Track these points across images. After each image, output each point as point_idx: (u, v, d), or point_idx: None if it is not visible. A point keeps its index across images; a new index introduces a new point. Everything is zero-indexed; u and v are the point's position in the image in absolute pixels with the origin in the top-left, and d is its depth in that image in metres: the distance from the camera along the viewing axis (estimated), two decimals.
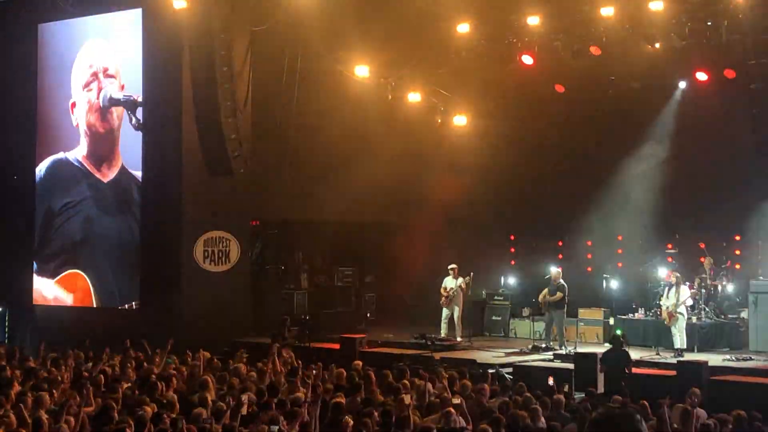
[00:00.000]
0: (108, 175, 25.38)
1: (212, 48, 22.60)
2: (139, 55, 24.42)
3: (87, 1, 24.81)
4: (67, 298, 25.84)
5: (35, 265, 26.61)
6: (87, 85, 25.54)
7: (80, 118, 25.73)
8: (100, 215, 25.44)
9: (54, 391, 13.75)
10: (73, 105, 25.81)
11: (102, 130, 25.43)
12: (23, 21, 26.29)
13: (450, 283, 22.95)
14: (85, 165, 25.69)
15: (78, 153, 25.84)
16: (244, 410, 11.90)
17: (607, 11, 20.39)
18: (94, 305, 25.38)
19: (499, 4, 21.81)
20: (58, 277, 26.01)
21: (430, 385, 14.69)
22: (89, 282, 25.42)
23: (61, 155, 26.21)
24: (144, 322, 22.95)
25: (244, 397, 12.16)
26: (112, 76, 25.14)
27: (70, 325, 24.70)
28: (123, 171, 25.04)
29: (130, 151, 24.87)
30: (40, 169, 26.61)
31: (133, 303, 24.57)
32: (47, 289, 26.23)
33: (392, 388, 14.25)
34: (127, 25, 24.82)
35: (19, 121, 26.98)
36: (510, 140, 25.86)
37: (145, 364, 17.07)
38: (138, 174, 24.72)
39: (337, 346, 21.66)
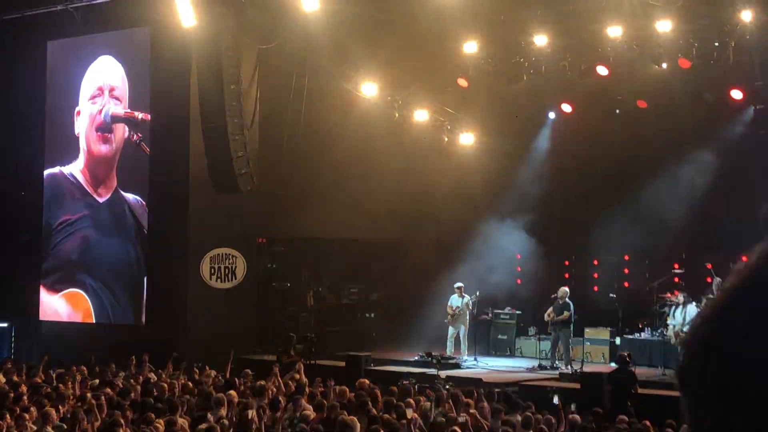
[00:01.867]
0: (103, 196, 25.50)
1: (220, 66, 22.66)
2: (147, 72, 24.54)
3: (95, 19, 24.88)
4: (73, 314, 25.86)
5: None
6: (92, 98, 25.68)
7: (81, 128, 25.87)
8: (97, 236, 25.50)
9: (60, 406, 13.77)
10: (78, 113, 25.93)
11: (102, 151, 25.55)
12: (32, 38, 26.37)
13: (456, 301, 22.96)
14: (82, 182, 25.80)
15: (75, 168, 25.95)
16: (253, 428, 11.86)
17: (615, 31, 20.45)
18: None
19: (507, 23, 21.87)
20: (63, 293, 26.04)
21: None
22: (90, 303, 25.46)
23: (56, 170, 26.33)
24: (150, 338, 22.95)
25: (252, 413, 12.12)
26: (117, 98, 25.27)
27: (76, 340, 24.72)
28: (116, 193, 25.17)
29: (128, 173, 25.02)
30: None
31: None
32: (52, 303, 26.24)
33: (395, 405, 14.24)
34: (136, 43, 24.96)
35: (27, 137, 27.07)
36: (517, 159, 25.91)
37: (152, 380, 17.10)
38: (130, 196, 24.87)
39: (342, 364, 21.65)
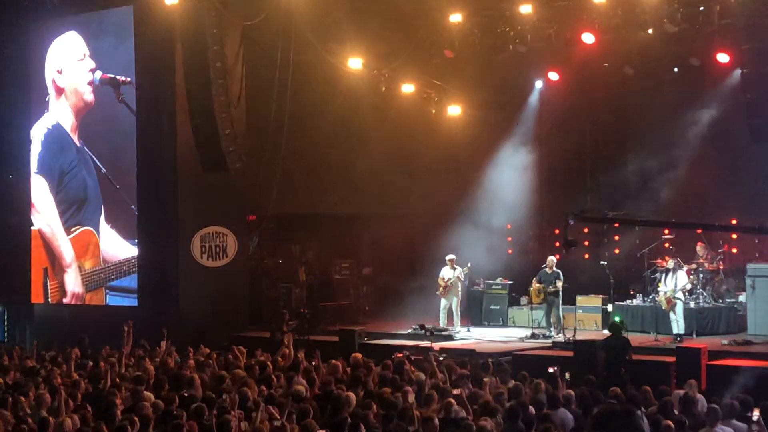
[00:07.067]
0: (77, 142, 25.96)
1: (205, 44, 22.52)
2: (131, 52, 24.45)
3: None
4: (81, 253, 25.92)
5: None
6: (80, 59, 25.65)
7: (66, 83, 25.97)
8: (90, 177, 25.71)
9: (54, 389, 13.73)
10: (59, 71, 26.04)
11: (82, 105, 25.71)
12: (7, 22, 26.33)
13: (448, 273, 22.96)
14: (68, 131, 26.06)
15: (60, 117, 26.23)
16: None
17: None
18: (102, 263, 25.39)
19: None
20: (72, 236, 25.98)
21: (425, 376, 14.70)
22: (98, 237, 25.44)
23: (52, 121, 26.37)
24: (142, 318, 22.89)
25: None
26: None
27: (68, 322, 24.74)
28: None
29: (116, 153, 25.20)
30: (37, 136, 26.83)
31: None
32: (67, 249, 26.22)
33: (390, 379, 14.26)
34: (119, 22, 24.92)
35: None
36: (504, 129, 25.88)
37: (147, 360, 17.09)
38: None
39: (336, 339, 21.68)
